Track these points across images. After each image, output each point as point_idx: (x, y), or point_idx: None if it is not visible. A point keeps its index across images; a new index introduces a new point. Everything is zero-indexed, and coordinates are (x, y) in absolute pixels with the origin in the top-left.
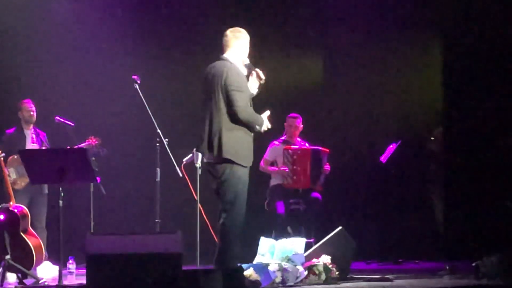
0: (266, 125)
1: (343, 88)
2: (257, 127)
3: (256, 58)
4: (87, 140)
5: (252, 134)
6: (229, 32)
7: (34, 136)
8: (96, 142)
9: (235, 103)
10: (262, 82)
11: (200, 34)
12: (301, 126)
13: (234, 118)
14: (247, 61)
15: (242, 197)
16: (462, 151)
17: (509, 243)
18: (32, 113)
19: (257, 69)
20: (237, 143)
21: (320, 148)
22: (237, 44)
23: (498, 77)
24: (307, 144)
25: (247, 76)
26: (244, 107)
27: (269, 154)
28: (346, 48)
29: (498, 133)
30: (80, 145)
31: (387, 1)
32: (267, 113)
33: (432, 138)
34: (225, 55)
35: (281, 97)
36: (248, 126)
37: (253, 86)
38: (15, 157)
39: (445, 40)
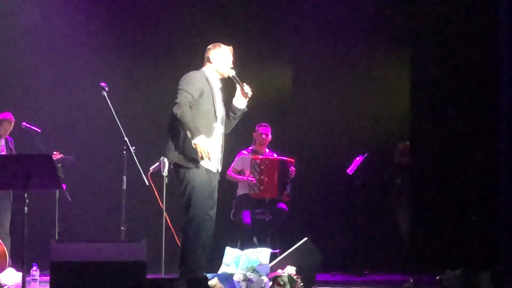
0: (203, 149)
1: (311, 99)
2: (188, 132)
3: None
4: (53, 156)
5: (214, 135)
6: (209, 46)
7: (3, 144)
8: (60, 156)
9: (175, 100)
10: (248, 96)
11: (169, 43)
12: (270, 136)
13: (173, 116)
14: (232, 73)
15: (198, 200)
16: (428, 164)
17: (473, 256)
18: (8, 130)
19: (244, 84)
20: (184, 145)
21: (286, 158)
22: (212, 57)
23: (465, 90)
24: (275, 155)
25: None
26: (180, 104)
27: (237, 163)
28: (315, 60)
29: (465, 147)
30: None
31: (356, 14)
32: (209, 143)
33: (398, 150)
34: (203, 68)
35: (249, 107)
36: (184, 126)
37: (238, 100)
38: None
39: (412, 54)
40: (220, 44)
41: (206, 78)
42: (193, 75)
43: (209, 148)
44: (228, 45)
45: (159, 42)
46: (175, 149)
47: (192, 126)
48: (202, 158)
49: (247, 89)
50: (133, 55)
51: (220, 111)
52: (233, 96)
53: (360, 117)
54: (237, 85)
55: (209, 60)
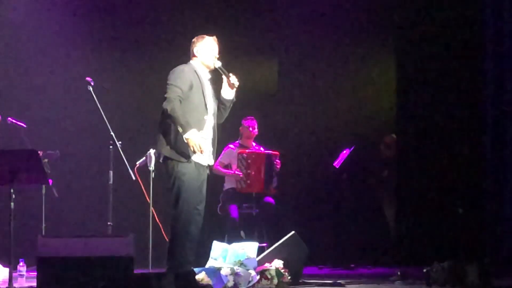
0: (195, 143)
1: (297, 93)
2: (179, 127)
3: None
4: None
5: (205, 128)
6: (193, 40)
7: None
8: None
9: (165, 95)
10: (235, 87)
11: (156, 37)
12: (257, 129)
13: (164, 111)
14: (219, 64)
15: (187, 194)
16: (414, 157)
17: (460, 249)
18: None
19: (230, 74)
20: (176, 139)
21: (272, 152)
22: (197, 51)
23: (450, 84)
24: (262, 149)
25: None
26: (171, 99)
27: (223, 157)
28: (301, 54)
29: (451, 140)
30: None
31: (341, 8)
32: (200, 137)
33: (385, 144)
34: (190, 61)
35: (235, 101)
36: (175, 121)
37: (226, 91)
38: None
39: (398, 47)
40: (204, 35)
41: (195, 71)
42: (182, 69)
43: (201, 142)
44: (212, 35)
45: (145, 37)
46: (167, 143)
47: (183, 120)
48: (194, 152)
49: (234, 79)
50: (119, 50)
51: (211, 103)
52: (222, 87)
53: (347, 111)
54: (224, 76)
55: (194, 54)
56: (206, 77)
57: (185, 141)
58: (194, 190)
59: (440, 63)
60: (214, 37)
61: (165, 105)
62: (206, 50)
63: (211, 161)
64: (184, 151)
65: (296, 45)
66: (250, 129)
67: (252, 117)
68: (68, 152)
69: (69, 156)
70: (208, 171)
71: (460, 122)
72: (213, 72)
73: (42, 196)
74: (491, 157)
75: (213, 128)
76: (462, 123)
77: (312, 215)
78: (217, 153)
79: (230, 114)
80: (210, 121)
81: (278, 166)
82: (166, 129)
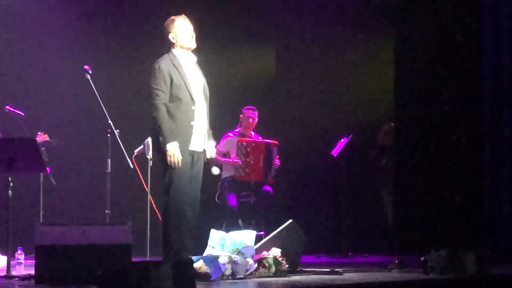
0: (173, 157)
1: (294, 82)
2: (161, 137)
3: (209, 52)
4: (38, 136)
5: (196, 117)
6: (164, 26)
7: None
8: (45, 137)
9: (150, 101)
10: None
11: (153, 25)
12: (256, 119)
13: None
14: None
15: (179, 182)
16: (412, 145)
17: (457, 237)
18: None
19: None
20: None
21: (270, 141)
22: (172, 37)
23: (449, 72)
24: (260, 138)
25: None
26: (157, 106)
27: (222, 145)
28: (298, 42)
29: (449, 128)
30: None
31: None
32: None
33: (383, 132)
34: (172, 49)
35: (233, 90)
36: (159, 131)
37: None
38: None
39: (397, 35)
40: (173, 17)
41: (173, 63)
42: (157, 67)
43: (179, 156)
44: (180, 14)
45: (144, 24)
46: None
47: (166, 131)
48: (170, 164)
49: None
50: (117, 38)
51: (198, 91)
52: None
53: (345, 99)
54: None
55: (171, 41)
56: (189, 61)
57: (165, 151)
58: (186, 177)
59: (439, 51)
60: (183, 15)
61: (152, 112)
62: (181, 32)
63: (206, 146)
64: (174, 136)
65: (293, 35)
66: (250, 120)
67: (254, 107)
68: (66, 140)
69: (67, 144)
70: (205, 158)
71: (458, 110)
72: (197, 51)
73: (40, 184)
74: (489, 145)
75: (205, 111)
76: (460, 111)
77: (310, 204)
78: (213, 135)
79: (227, 101)
80: (200, 107)
81: (278, 162)
82: (157, 133)
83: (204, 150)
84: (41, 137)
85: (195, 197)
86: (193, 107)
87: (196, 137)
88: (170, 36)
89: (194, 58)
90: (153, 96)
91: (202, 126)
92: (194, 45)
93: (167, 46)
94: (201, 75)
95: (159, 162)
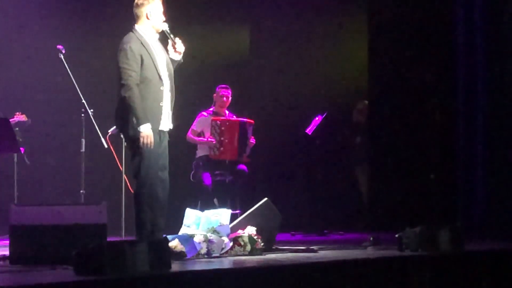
0: (146, 138)
1: (269, 60)
2: (134, 119)
3: (182, 30)
4: (15, 116)
5: (164, 97)
6: (141, 1)
7: None
8: (24, 118)
9: (121, 81)
10: (181, 53)
11: (127, 4)
12: (230, 99)
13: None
14: (165, 27)
15: (149, 161)
16: (386, 123)
17: (432, 214)
18: None
19: (176, 39)
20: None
21: (246, 119)
22: (150, 13)
23: (423, 49)
24: (234, 116)
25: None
26: (129, 86)
27: (197, 125)
28: (272, 21)
29: (423, 106)
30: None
31: None
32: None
33: (357, 110)
34: (136, 26)
35: (207, 69)
36: (132, 111)
37: (172, 54)
38: None
39: (370, 12)
40: None
41: (141, 42)
42: (128, 48)
43: (152, 138)
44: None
45: (117, 4)
46: (130, 125)
47: (140, 112)
48: (142, 146)
49: (180, 45)
50: (90, 17)
51: (164, 70)
52: (186, 45)
53: (319, 77)
54: (169, 40)
55: (146, 17)
56: (154, 40)
57: (138, 132)
58: (156, 157)
59: (412, 27)
60: None
61: (123, 92)
62: (157, 13)
63: (171, 126)
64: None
65: (267, 13)
66: (224, 98)
67: (227, 86)
68: (39, 120)
69: (41, 124)
70: (168, 137)
71: (432, 88)
72: (170, 29)
73: (14, 164)
74: (463, 122)
75: (171, 91)
76: (434, 89)
77: (285, 182)
78: (184, 123)
79: (201, 81)
80: (167, 88)
81: (253, 141)
82: (128, 114)
83: (169, 130)
84: (19, 117)
85: (165, 175)
86: (161, 88)
87: (164, 117)
88: (147, 11)
89: (156, 35)
90: (125, 77)
91: (169, 105)
92: (160, 29)
93: (133, 19)
94: (164, 51)
95: (128, 143)
